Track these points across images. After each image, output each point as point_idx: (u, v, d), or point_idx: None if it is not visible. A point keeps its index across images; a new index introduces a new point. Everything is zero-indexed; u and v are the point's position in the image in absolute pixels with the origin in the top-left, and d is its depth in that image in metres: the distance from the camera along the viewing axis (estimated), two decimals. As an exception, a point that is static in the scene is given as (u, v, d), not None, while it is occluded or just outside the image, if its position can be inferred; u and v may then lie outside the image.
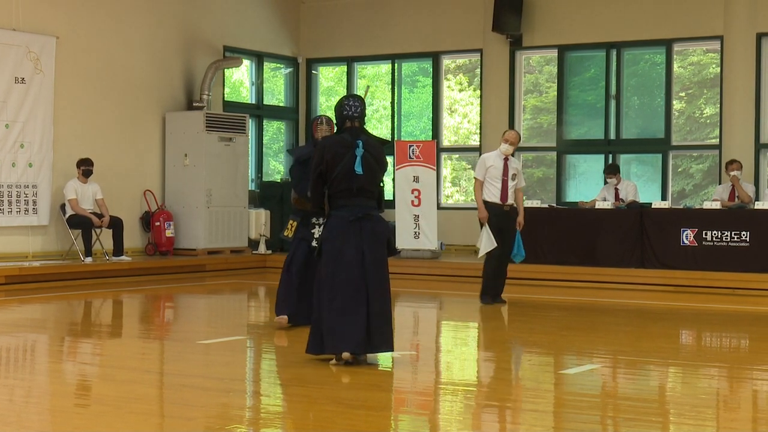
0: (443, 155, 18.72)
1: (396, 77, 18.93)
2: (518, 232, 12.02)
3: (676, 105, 17.05)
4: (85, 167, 15.04)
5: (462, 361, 8.86)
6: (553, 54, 17.66)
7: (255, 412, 6.60)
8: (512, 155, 12.12)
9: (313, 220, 9.51)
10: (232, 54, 18.04)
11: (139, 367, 8.18)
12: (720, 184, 15.67)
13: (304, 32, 19.49)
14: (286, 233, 9.79)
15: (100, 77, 15.97)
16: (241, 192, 17.22)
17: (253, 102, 18.89)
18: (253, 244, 17.38)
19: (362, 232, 7.71)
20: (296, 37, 19.44)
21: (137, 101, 16.54)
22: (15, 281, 13.51)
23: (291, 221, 9.78)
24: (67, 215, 15.00)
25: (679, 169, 17.39)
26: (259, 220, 17.38)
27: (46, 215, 15.11)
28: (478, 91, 18.25)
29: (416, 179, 16.45)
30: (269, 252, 17.26)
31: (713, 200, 14.79)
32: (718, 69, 16.46)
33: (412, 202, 16.46)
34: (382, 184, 7.96)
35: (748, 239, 13.93)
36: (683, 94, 17.28)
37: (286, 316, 9.61)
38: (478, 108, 18.23)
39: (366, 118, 8.00)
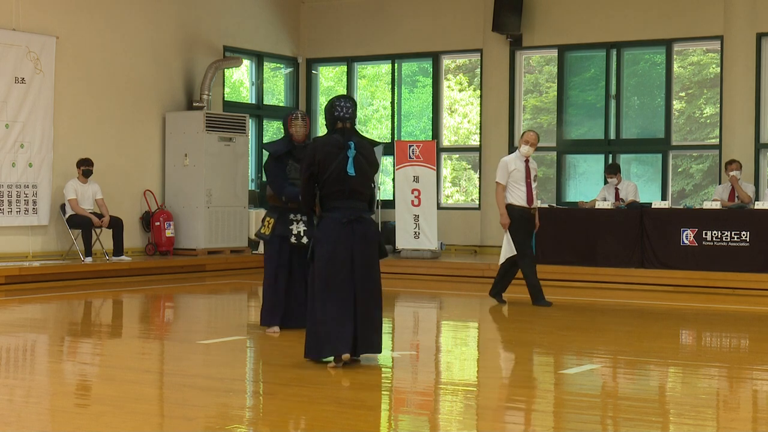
0: (443, 155, 18.72)
1: (396, 77, 18.94)
2: (534, 232, 12.00)
3: (676, 105, 17.05)
4: (85, 167, 15.04)
5: (462, 361, 8.85)
6: (553, 54, 17.66)
7: (255, 412, 6.60)
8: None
9: (291, 216, 9.37)
10: (232, 54, 18.05)
11: (139, 367, 8.18)
12: (720, 184, 15.67)
13: (304, 32, 19.49)
14: (263, 230, 9.51)
15: (100, 77, 15.97)
16: (241, 192, 17.23)
17: (253, 102, 18.89)
18: (253, 244, 17.37)
19: (354, 236, 7.71)
20: (296, 37, 19.45)
21: (137, 101, 16.54)
22: (15, 281, 13.51)
23: (268, 218, 9.52)
24: (67, 215, 15.01)
25: (679, 169, 17.40)
26: (259, 220, 17.37)
27: (46, 215, 15.12)
28: (478, 91, 18.26)
29: (416, 179, 16.46)
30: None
31: (713, 200, 14.79)
32: (718, 69, 16.47)
33: (412, 202, 16.48)
34: (373, 185, 7.94)
35: (748, 239, 13.93)
36: (683, 94, 17.29)
37: (277, 327, 9.51)
38: (478, 108, 18.23)
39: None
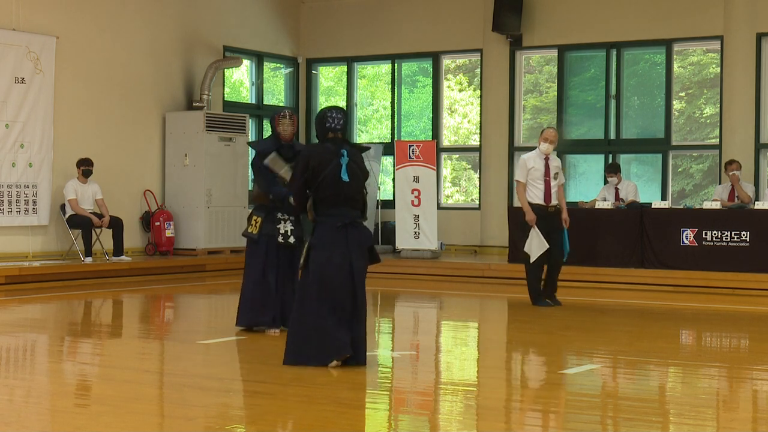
0: (443, 155, 18.72)
1: (396, 77, 18.94)
2: (565, 230, 11.85)
3: (676, 105, 17.05)
4: (85, 167, 15.04)
5: (462, 361, 8.85)
6: (553, 54, 17.66)
7: (255, 412, 6.60)
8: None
9: (278, 215, 9.32)
10: (232, 54, 18.05)
11: (139, 367, 8.18)
12: (720, 184, 15.67)
13: (304, 32, 19.49)
14: (250, 230, 9.43)
15: (100, 77, 15.97)
16: (241, 192, 17.22)
17: (253, 102, 18.89)
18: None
19: (349, 242, 7.74)
20: (296, 37, 19.45)
21: (137, 101, 16.54)
22: (15, 281, 13.51)
23: (255, 217, 9.44)
24: (67, 215, 15.01)
25: (679, 169, 17.39)
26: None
27: (46, 215, 15.12)
28: (478, 91, 18.25)
29: (416, 179, 16.46)
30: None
31: (713, 200, 14.79)
32: (718, 69, 16.47)
33: (412, 202, 16.47)
34: (366, 192, 7.99)
35: (748, 239, 13.93)
36: (683, 94, 17.28)
37: (278, 328, 9.44)
38: (478, 108, 18.23)
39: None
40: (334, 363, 7.68)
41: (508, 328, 10.91)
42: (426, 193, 16.43)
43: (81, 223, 14.85)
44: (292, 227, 9.33)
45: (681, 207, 15.18)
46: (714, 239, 14.13)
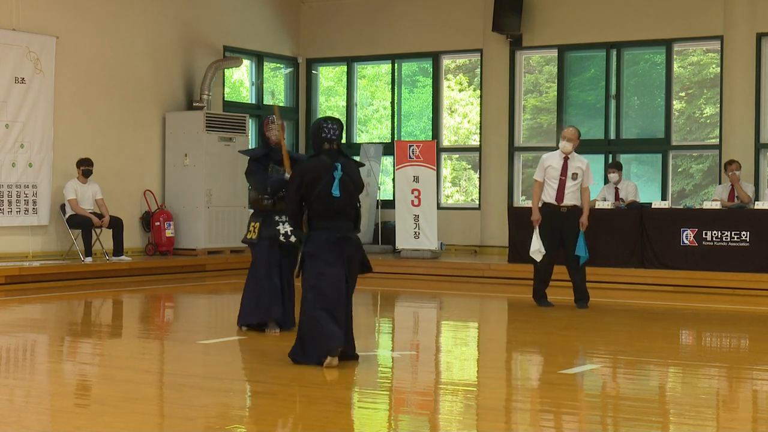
0: (443, 155, 18.72)
1: (396, 77, 18.94)
2: (582, 233, 11.70)
3: (676, 105, 17.05)
4: (85, 167, 15.04)
5: (462, 361, 8.86)
6: (553, 54, 17.66)
7: (255, 412, 6.60)
8: (573, 153, 11.76)
9: (276, 217, 9.38)
10: (232, 54, 18.04)
11: (139, 367, 8.18)
12: (720, 184, 15.67)
13: (304, 32, 19.49)
14: (249, 236, 9.52)
15: (100, 77, 15.97)
16: (241, 192, 17.22)
17: (253, 102, 18.89)
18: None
19: (342, 258, 7.83)
20: (296, 37, 19.44)
21: (137, 101, 16.54)
22: (15, 281, 13.51)
23: (252, 223, 9.53)
24: (67, 215, 15.01)
25: (679, 169, 17.39)
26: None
27: (46, 215, 15.11)
28: (478, 91, 18.25)
29: (416, 179, 16.46)
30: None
31: (713, 200, 14.79)
32: (718, 69, 16.47)
33: (412, 202, 16.47)
34: (359, 205, 8.04)
35: (748, 239, 13.93)
36: (683, 94, 17.28)
37: (278, 328, 9.47)
38: (478, 108, 18.23)
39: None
40: (329, 360, 7.67)
41: (508, 328, 10.91)
42: (426, 193, 16.43)
43: (81, 223, 14.85)
44: (292, 228, 9.34)
45: (681, 207, 15.17)
46: (714, 239, 14.12)
